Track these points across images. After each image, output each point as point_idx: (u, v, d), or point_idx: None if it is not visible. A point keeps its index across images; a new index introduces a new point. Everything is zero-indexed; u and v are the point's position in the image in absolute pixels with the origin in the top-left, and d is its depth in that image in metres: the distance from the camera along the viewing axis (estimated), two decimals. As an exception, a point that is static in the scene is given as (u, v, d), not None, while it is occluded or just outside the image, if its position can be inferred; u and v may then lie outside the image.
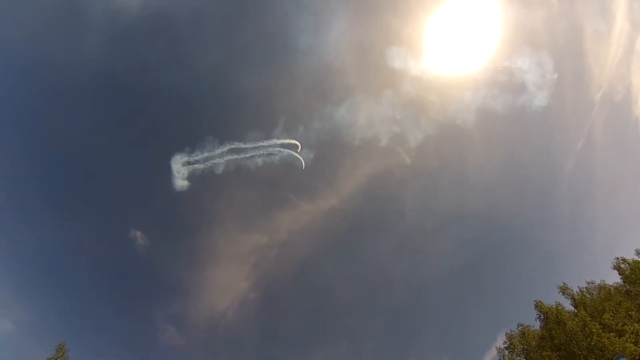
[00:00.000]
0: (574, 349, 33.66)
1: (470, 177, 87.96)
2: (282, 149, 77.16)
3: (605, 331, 33.58)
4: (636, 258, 39.84)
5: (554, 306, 38.47)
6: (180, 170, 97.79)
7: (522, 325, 39.98)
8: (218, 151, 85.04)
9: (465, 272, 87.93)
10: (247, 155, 79.56)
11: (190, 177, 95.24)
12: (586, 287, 40.93)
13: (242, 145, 79.72)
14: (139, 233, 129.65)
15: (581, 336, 33.58)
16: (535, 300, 40.06)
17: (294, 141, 76.44)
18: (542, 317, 39.00)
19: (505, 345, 39.70)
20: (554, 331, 35.98)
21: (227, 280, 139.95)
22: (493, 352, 41.68)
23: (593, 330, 33.13)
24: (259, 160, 79.43)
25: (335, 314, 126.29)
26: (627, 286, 38.67)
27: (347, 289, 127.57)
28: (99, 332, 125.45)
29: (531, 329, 39.04)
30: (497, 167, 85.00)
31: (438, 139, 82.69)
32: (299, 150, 76.58)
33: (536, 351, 36.50)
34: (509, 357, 38.49)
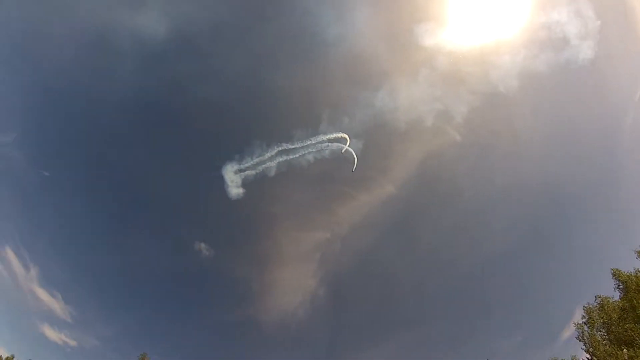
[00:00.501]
0: (660, 318, 31.74)
1: (524, 145, 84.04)
2: (330, 144, 76.48)
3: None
4: None
5: (633, 273, 36.27)
6: (233, 179, 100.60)
7: (600, 297, 37.87)
8: (267, 155, 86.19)
9: (531, 246, 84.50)
10: (297, 155, 79.91)
11: (243, 184, 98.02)
12: (668, 248, 38.06)
13: (290, 146, 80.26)
14: (203, 245, 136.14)
15: (667, 303, 31.62)
16: (612, 269, 37.98)
17: (341, 134, 75.62)
18: (621, 286, 36.94)
19: (584, 320, 37.90)
20: (635, 301, 34.01)
21: (294, 280, 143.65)
22: (571, 328, 40.00)
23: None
24: (310, 157, 79.49)
25: (403, 301, 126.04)
26: None
27: (411, 274, 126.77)
28: (177, 340, 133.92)
29: (610, 301, 36.96)
30: (550, 131, 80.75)
31: (483, 111, 79.60)
32: (348, 143, 76.11)
33: (618, 324, 34.67)
34: (588, 333, 36.70)
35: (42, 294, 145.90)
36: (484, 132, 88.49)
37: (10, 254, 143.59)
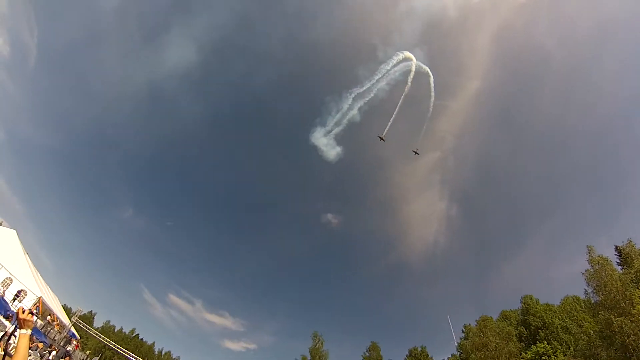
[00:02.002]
0: None
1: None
2: (396, 67, 72.85)
3: None
4: None
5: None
6: (325, 143, 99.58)
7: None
8: (345, 106, 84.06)
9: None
10: (372, 94, 77.28)
11: (338, 142, 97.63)
12: None
13: (361, 88, 77.83)
14: (329, 215, 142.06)
15: None
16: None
17: (402, 54, 71.61)
18: None
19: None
20: None
21: (424, 210, 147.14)
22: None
23: None
24: (385, 88, 76.26)
25: (534, 194, 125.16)
26: None
27: (530, 157, 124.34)
28: (339, 310, 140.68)
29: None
30: None
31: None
32: (414, 59, 71.76)
33: None
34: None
35: (213, 318, 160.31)
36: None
37: (174, 299, 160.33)
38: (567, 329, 48.54)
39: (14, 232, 30.20)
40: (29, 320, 2.68)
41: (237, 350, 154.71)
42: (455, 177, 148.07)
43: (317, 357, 74.68)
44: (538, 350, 47.06)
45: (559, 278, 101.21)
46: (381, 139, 79.23)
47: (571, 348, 44.88)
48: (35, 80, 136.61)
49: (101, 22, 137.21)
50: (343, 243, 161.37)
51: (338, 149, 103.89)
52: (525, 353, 48.10)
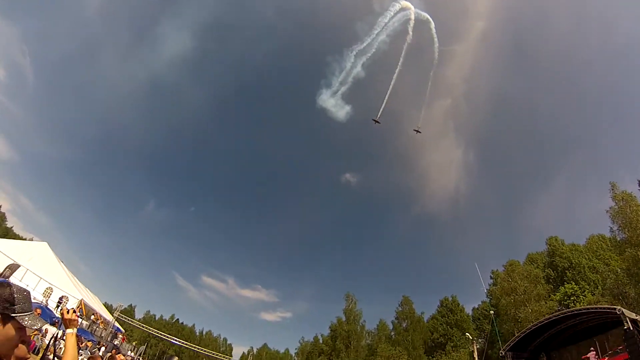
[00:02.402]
0: None
1: None
2: (394, 18, 70.16)
3: None
4: None
5: None
6: (333, 104, 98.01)
7: None
8: (348, 64, 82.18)
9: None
10: (373, 48, 75.52)
11: (346, 101, 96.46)
12: None
13: (362, 44, 75.81)
14: (347, 175, 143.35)
15: None
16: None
17: (400, 3, 68.83)
18: None
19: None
20: None
21: (441, 160, 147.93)
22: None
23: None
24: (386, 40, 74.27)
25: (549, 131, 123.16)
26: None
27: (543, 93, 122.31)
28: (371, 270, 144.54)
29: None
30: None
31: None
32: (413, 7, 68.94)
33: None
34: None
35: (246, 293, 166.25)
36: None
37: (207, 280, 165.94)
38: (594, 268, 48.63)
39: (45, 244, 31.41)
40: (74, 320, 2.82)
41: (274, 321, 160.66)
42: (469, 122, 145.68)
43: (352, 317, 76.98)
44: (566, 291, 47.52)
45: (583, 217, 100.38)
46: (375, 121, 78.69)
47: (599, 287, 45.05)
48: (36, 98, 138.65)
49: (89, 29, 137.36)
50: (364, 201, 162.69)
51: (347, 108, 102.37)
52: (554, 295, 48.61)
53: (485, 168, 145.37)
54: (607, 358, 24.34)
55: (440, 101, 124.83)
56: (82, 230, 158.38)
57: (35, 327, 1.66)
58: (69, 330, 2.76)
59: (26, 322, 1.62)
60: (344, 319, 78.14)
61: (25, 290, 1.65)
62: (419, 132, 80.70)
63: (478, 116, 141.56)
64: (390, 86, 77.42)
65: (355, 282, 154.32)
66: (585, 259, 50.15)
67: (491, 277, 62.45)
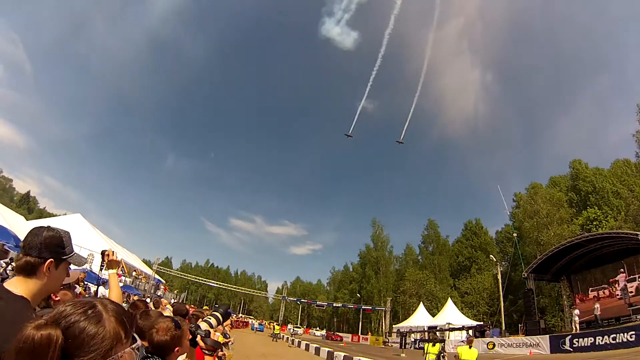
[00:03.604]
0: None
1: None
2: None
3: None
4: None
5: None
6: (338, 32, 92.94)
7: None
8: None
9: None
10: None
11: (352, 27, 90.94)
12: None
13: None
14: (364, 102, 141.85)
15: None
16: None
17: None
18: None
19: None
20: None
21: (458, 81, 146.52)
22: None
23: None
24: None
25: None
26: None
27: None
28: (395, 197, 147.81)
29: None
30: None
31: None
32: None
33: None
34: None
35: (275, 229, 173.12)
36: None
37: (235, 222, 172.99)
38: (618, 193, 48.03)
39: (78, 215, 32.80)
40: (115, 261, 2.99)
41: (304, 254, 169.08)
42: (485, 40, 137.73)
43: (379, 243, 79.95)
44: (589, 216, 47.45)
45: (608, 141, 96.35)
46: (348, 136, 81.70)
47: (622, 213, 44.87)
48: (38, 83, 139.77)
49: (76, 3, 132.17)
50: (383, 128, 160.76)
51: (354, 35, 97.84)
52: (577, 219, 48.78)
53: (504, 89, 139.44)
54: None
55: (452, 20, 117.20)
56: (110, 196, 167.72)
57: (81, 266, 1.90)
58: (111, 271, 2.97)
59: (74, 262, 1.80)
60: (372, 245, 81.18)
61: (66, 231, 1.78)
62: (402, 143, 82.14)
63: (494, 34, 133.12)
64: (397, 8, 72.89)
65: (381, 208, 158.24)
66: (609, 183, 49.30)
67: (514, 200, 62.81)
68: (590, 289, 28.98)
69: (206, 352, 2.38)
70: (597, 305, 26.06)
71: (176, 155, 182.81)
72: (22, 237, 1.79)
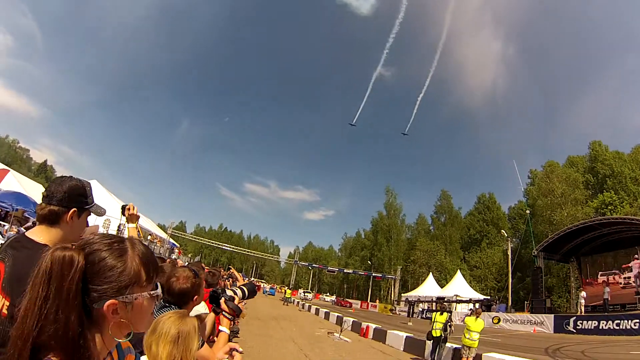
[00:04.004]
0: None
1: None
2: None
3: None
4: None
5: None
6: None
7: None
8: None
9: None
10: None
11: None
12: None
13: None
14: (380, 70, 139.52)
15: None
16: None
17: None
18: None
19: None
20: None
21: (479, 52, 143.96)
22: None
23: None
24: None
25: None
26: None
27: None
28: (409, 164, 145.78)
29: None
30: None
31: None
32: None
33: None
34: None
35: (289, 194, 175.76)
36: None
37: (249, 187, 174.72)
38: (637, 180, 47.26)
39: (94, 181, 33.69)
40: (136, 215, 3.08)
41: (318, 220, 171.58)
42: (508, 12, 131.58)
43: (392, 211, 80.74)
44: (604, 200, 46.85)
45: (631, 124, 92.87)
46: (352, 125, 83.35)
47: (638, 200, 44.51)
48: (49, 52, 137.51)
49: None
50: (400, 96, 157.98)
51: (371, 0, 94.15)
52: (591, 201, 48.34)
53: (526, 63, 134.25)
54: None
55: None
56: (125, 162, 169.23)
57: (101, 217, 2.07)
58: (131, 225, 3.09)
59: (95, 212, 1.87)
60: (384, 213, 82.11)
61: (88, 182, 1.88)
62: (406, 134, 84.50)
63: (519, 6, 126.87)
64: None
65: (396, 176, 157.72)
66: (628, 169, 48.25)
67: (529, 177, 62.43)
68: (599, 272, 29.27)
69: (227, 315, 2.35)
70: (607, 289, 26.29)
71: (189, 120, 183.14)
72: (41, 204, 1.84)
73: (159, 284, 1.09)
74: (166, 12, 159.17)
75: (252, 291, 2.81)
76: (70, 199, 1.71)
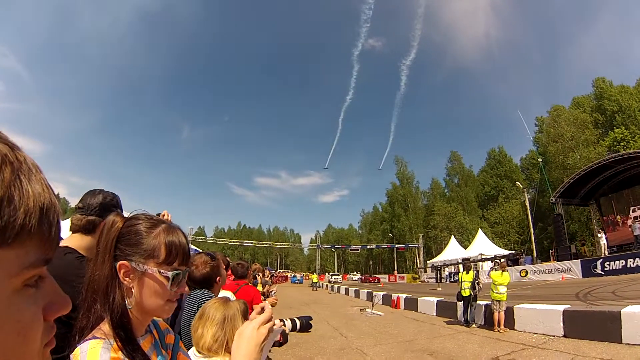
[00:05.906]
0: None
1: None
2: None
3: None
4: None
5: None
6: None
7: None
8: None
9: None
10: None
11: None
12: None
13: None
14: (371, 41, 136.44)
15: None
16: None
17: None
18: None
19: None
20: None
21: (465, 4, 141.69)
22: None
23: None
24: None
25: None
26: None
27: None
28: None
29: None
30: None
31: None
32: None
33: None
34: None
35: (300, 181, 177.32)
36: None
37: (260, 180, 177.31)
38: None
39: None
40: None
41: (333, 201, 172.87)
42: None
43: (405, 180, 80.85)
44: (616, 137, 46.12)
45: (633, 56, 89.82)
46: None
47: None
48: (38, 87, 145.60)
49: None
50: (393, 64, 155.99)
51: None
52: (603, 140, 47.71)
53: (517, 7, 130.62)
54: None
55: None
56: (135, 178, 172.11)
57: None
58: None
59: None
60: (398, 183, 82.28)
61: (115, 193, 2.00)
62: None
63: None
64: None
65: (403, 146, 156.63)
66: (636, 101, 47.04)
67: (536, 125, 61.43)
68: (631, 208, 28.74)
69: None
70: (637, 225, 25.79)
71: (190, 126, 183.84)
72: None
73: (180, 274, 1.09)
74: (146, 18, 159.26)
75: (306, 326, 2.64)
76: (104, 209, 1.86)
